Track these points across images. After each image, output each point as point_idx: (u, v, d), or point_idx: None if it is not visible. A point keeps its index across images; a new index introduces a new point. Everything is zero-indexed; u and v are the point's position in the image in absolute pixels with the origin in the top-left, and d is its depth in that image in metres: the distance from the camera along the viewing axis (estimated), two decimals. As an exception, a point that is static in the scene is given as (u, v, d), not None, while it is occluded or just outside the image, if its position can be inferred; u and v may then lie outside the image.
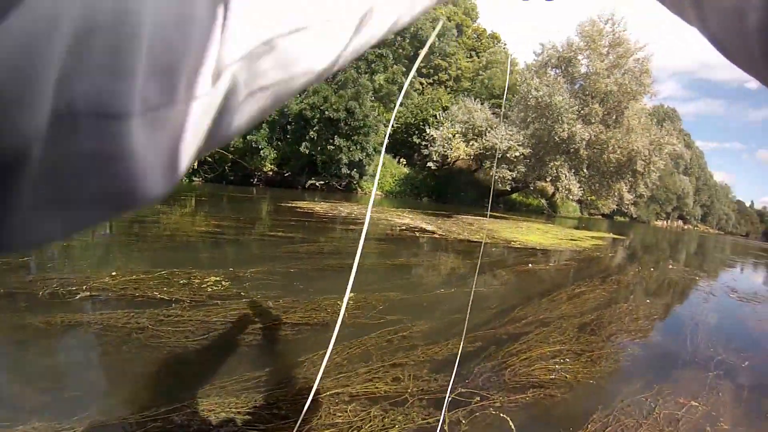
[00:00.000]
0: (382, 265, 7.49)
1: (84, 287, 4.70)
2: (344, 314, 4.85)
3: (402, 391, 3.07)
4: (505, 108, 32.90)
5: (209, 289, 4.83)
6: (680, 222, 70.57)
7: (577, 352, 4.40)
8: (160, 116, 0.25)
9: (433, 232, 12.52)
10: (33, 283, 4.84)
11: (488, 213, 16.51)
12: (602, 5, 55.02)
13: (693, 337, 5.63)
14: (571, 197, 32.68)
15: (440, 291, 6.12)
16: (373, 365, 3.46)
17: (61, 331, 3.76)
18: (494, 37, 45.99)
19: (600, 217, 44.31)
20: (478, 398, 3.14)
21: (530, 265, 9.43)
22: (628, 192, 33.99)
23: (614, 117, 30.78)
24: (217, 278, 5.22)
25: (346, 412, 2.77)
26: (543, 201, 38.73)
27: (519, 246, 12.09)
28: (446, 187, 32.90)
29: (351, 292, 5.27)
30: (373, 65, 26.19)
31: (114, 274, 5.19)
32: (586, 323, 5.45)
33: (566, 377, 3.78)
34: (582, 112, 29.87)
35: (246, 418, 2.66)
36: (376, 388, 3.04)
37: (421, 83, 37.81)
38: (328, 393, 2.96)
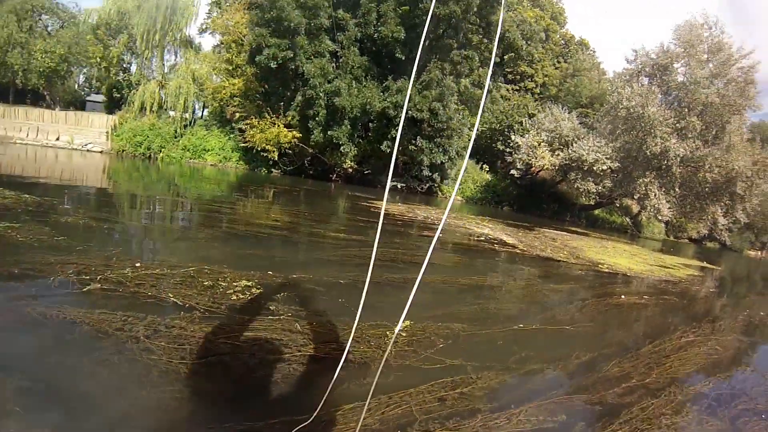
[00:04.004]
0: (453, 282, 6.38)
1: (98, 278, 4.04)
2: (390, 352, 3.87)
3: None
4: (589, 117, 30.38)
5: (234, 296, 3.99)
6: (776, 253, 62.22)
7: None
8: None
9: (514, 246, 11.22)
10: (52, 265, 4.27)
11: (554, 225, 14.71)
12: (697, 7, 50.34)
13: None
14: (659, 218, 29.40)
15: (518, 326, 4.91)
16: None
17: (49, 326, 3.13)
18: (582, 44, 42.99)
19: (687, 241, 39.74)
20: None
21: (623, 297, 7.90)
22: (723, 216, 30.10)
23: (714, 132, 27.08)
24: (249, 283, 4.37)
25: None
26: (627, 219, 35.57)
27: (607, 270, 10.49)
28: (528, 198, 31.09)
29: (407, 319, 4.26)
30: (458, 67, 24.93)
31: (138, 265, 4.51)
32: (704, 395, 3.98)
33: None
34: (678, 125, 26.39)
35: None
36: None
37: (508, 89, 36.06)
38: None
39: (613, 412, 3.29)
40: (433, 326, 4.17)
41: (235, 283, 4.28)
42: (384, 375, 3.16)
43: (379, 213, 12.82)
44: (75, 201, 9.30)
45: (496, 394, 3.21)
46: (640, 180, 27.32)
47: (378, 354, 3.38)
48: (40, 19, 36.43)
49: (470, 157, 31.13)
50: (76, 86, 43.66)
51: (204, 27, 32.22)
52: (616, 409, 3.34)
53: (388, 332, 3.75)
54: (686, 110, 26.82)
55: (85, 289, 3.81)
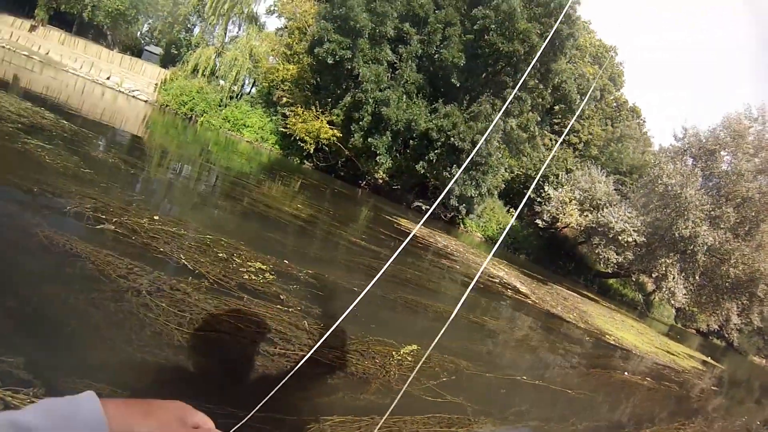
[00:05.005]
0: (463, 317, 6.13)
1: (114, 219, 3.88)
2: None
3: None
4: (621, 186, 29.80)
5: (245, 276, 3.80)
6: (782, 367, 59.98)
7: None
8: None
9: (526, 296, 10.92)
10: (72, 195, 4.14)
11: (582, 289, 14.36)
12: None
13: None
14: (672, 302, 28.54)
15: (522, 377, 4.66)
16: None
17: (54, 254, 2.96)
18: (634, 111, 42.83)
19: (694, 332, 38.53)
20: None
21: (626, 373, 7.64)
22: (738, 315, 29.11)
23: (747, 228, 26.51)
24: (264, 266, 4.17)
25: None
26: (640, 296, 34.72)
27: (613, 343, 10.18)
28: (546, 251, 30.66)
29: (414, 344, 4.02)
30: (509, 106, 24.61)
31: (156, 218, 4.36)
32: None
33: None
34: (712, 213, 25.81)
35: None
36: None
37: (551, 139, 35.78)
38: None
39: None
40: (441, 357, 3.93)
41: (249, 263, 4.09)
42: (382, 396, 2.94)
43: (399, 229, 12.73)
44: (110, 140, 9.29)
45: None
46: (662, 260, 26.63)
47: (381, 373, 3.15)
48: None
49: (499, 197, 30.77)
50: (138, 34, 44.43)
51: (272, 8, 32.61)
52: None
53: (393, 351, 3.53)
54: (724, 200, 26.28)
55: (98, 227, 3.67)
